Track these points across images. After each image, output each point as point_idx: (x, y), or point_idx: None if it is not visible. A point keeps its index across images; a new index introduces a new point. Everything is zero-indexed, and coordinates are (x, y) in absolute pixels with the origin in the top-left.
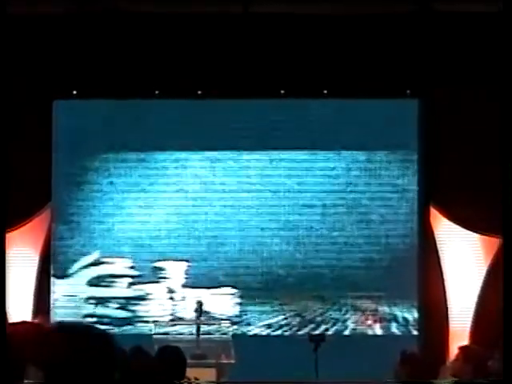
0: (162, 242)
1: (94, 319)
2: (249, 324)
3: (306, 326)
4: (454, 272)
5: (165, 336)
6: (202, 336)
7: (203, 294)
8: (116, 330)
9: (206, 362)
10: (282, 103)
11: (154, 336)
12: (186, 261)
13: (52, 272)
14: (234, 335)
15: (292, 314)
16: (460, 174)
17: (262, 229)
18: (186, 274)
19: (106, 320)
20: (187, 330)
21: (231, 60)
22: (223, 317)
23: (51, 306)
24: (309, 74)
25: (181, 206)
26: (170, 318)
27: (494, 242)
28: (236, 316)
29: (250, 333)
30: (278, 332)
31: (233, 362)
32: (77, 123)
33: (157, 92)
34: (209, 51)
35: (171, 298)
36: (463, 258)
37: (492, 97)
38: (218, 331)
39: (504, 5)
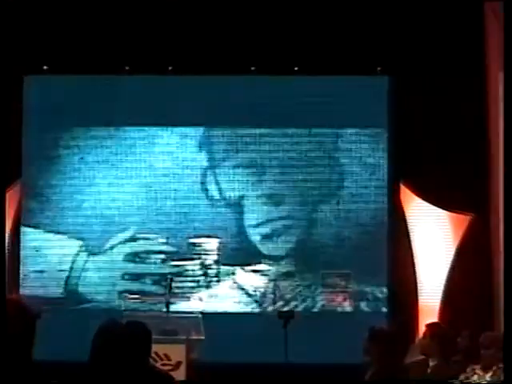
0: (132, 217)
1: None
2: (219, 300)
3: (275, 303)
4: (424, 249)
5: (134, 312)
6: (171, 312)
7: (172, 271)
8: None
9: (176, 338)
10: (253, 79)
11: (124, 312)
12: (156, 236)
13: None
14: (203, 312)
15: (261, 290)
16: (430, 152)
17: (232, 205)
18: (156, 250)
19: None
20: (156, 306)
21: (202, 36)
22: (193, 293)
23: (20, 281)
24: (279, 51)
25: (150, 182)
26: (140, 293)
27: (464, 220)
28: (206, 292)
29: (220, 309)
30: (248, 309)
31: (202, 338)
32: (47, 99)
33: (127, 68)
34: (179, 27)
35: (143, 276)
36: (433, 235)
37: (463, 74)
38: (188, 307)
39: (505, 5)
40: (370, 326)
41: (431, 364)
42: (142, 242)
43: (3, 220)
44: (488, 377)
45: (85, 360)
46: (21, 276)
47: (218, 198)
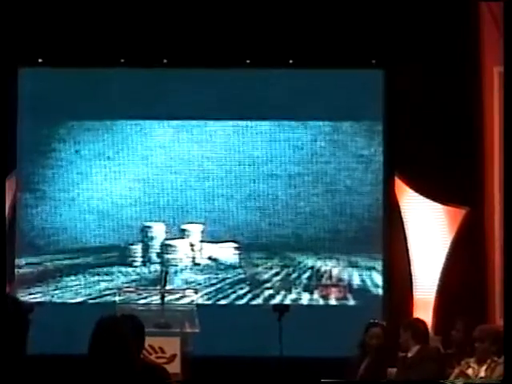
0: (127, 211)
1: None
2: (214, 293)
3: (270, 296)
4: (419, 242)
5: (128, 305)
6: (166, 305)
7: (167, 263)
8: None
9: (170, 331)
10: (248, 72)
11: (119, 305)
12: (151, 229)
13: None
14: (198, 304)
15: (257, 283)
16: (425, 145)
17: (227, 198)
18: (151, 243)
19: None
20: (151, 299)
21: (197, 29)
22: (188, 286)
23: (15, 276)
24: (274, 44)
25: (145, 175)
26: (135, 286)
27: (459, 213)
28: (201, 285)
29: (215, 302)
30: (243, 301)
31: (197, 331)
32: (42, 91)
33: (122, 60)
34: (174, 20)
35: (138, 268)
36: (428, 228)
37: (459, 68)
38: (183, 300)
39: (505, 5)
40: (364, 319)
41: (409, 355)
42: (136, 235)
43: (3, 219)
44: (483, 370)
45: (77, 354)
46: (16, 269)
47: (213, 191)
